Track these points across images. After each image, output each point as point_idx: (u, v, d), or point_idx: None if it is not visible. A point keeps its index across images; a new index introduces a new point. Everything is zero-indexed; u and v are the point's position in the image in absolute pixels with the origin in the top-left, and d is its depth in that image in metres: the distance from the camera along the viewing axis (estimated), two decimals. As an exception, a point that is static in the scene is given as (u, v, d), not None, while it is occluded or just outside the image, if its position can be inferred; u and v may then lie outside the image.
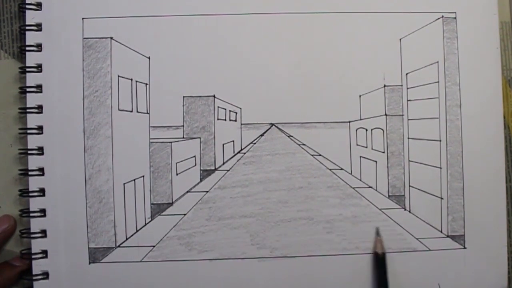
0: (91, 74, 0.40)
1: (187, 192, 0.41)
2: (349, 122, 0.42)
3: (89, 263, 0.40)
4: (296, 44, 0.41)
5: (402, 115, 0.42)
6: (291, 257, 0.41)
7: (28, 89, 0.40)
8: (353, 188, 0.42)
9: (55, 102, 0.40)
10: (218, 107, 0.42)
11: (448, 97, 0.42)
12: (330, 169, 0.42)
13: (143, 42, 0.41)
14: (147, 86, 0.41)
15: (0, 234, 0.39)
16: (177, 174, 0.41)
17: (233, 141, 0.42)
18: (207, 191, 0.41)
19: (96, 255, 0.40)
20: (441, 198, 0.41)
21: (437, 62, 0.42)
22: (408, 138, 0.42)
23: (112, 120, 0.40)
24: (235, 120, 0.42)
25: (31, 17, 0.40)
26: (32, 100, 0.40)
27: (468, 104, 0.41)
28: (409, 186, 0.42)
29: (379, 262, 0.40)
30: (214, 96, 0.41)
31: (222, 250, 0.41)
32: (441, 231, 0.41)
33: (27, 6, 0.40)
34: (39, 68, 0.40)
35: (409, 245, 0.41)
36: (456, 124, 0.41)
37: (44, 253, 0.39)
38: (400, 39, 0.42)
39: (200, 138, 0.42)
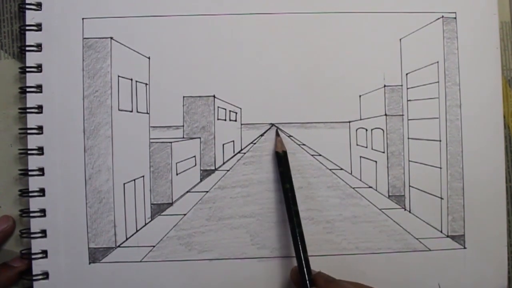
0: (91, 74, 0.41)
1: (187, 192, 0.41)
2: (349, 122, 0.42)
3: (89, 263, 0.40)
4: (296, 44, 0.41)
5: (402, 115, 0.42)
6: (291, 257, 0.41)
7: (28, 89, 0.40)
8: (353, 188, 0.42)
9: (55, 102, 0.40)
10: (218, 107, 0.42)
11: (448, 97, 0.42)
12: (330, 169, 0.42)
13: (143, 42, 0.41)
14: (147, 86, 0.41)
15: (-1, 234, 0.39)
16: (177, 174, 0.41)
17: (233, 141, 0.42)
18: (207, 191, 0.41)
19: (96, 255, 0.40)
20: (441, 198, 0.41)
21: (437, 62, 0.42)
22: (408, 138, 0.42)
23: (112, 120, 0.40)
24: (235, 120, 0.42)
25: (31, 17, 0.40)
26: (32, 100, 0.40)
27: (468, 104, 0.41)
28: (409, 186, 0.42)
29: (281, 160, 0.40)
30: (214, 96, 0.41)
31: (222, 250, 0.41)
32: (441, 231, 0.41)
33: (27, 6, 0.40)
34: (39, 68, 0.40)
35: (409, 245, 0.41)
36: (456, 124, 0.41)
37: (44, 253, 0.39)
38: (400, 39, 0.42)
39: (200, 138, 0.42)
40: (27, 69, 0.40)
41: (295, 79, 0.41)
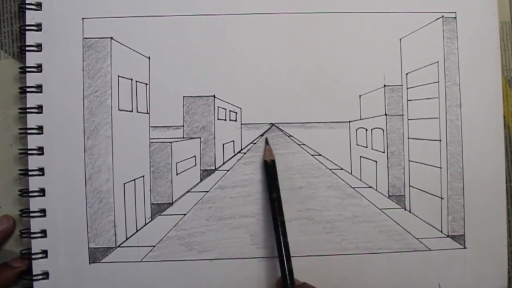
0: (91, 74, 0.41)
1: (187, 192, 0.41)
2: (349, 122, 0.42)
3: (89, 263, 0.40)
4: (296, 44, 0.41)
5: (402, 115, 0.42)
6: (291, 257, 0.40)
7: (28, 89, 0.40)
8: (353, 188, 0.42)
9: (55, 102, 0.40)
10: (218, 107, 0.42)
11: (448, 97, 0.42)
12: (330, 169, 0.42)
13: (143, 42, 0.41)
14: (147, 86, 0.41)
15: (-1, 234, 0.39)
16: (177, 174, 0.41)
17: (233, 141, 0.42)
18: (207, 191, 0.41)
19: (96, 255, 0.40)
20: (441, 198, 0.41)
21: (437, 62, 0.42)
22: (408, 138, 0.42)
23: (112, 120, 0.40)
24: (235, 120, 0.42)
25: (31, 17, 0.40)
26: (32, 100, 0.40)
27: (468, 104, 0.41)
28: (409, 186, 0.42)
29: (269, 169, 0.40)
30: (214, 96, 0.41)
31: (222, 250, 0.41)
32: (441, 231, 0.41)
33: (27, 6, 0.40)
34: (39, 68, 0.40)
35: (409, 245, 0.41)
36: (456, 124, 0.41)
37: (44, 253, 0.39)
38: (400, 39, 0.42)
39: (200, 138, 0.42)
40: (27, 69, 0.40)
41: (295, 79, 0.41)
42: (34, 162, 0.40)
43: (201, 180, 0.42)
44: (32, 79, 0.40)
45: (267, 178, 0.40)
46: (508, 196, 0.42)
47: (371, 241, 0.41)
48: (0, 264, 0.39)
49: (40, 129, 0.40)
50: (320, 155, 0.42)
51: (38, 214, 0.39)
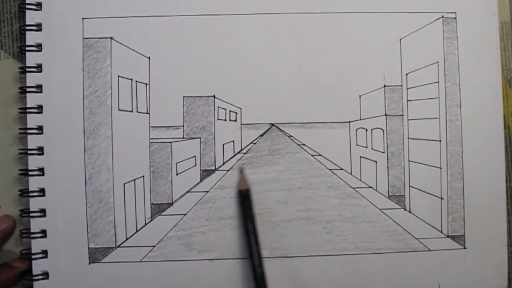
0: (91, 74, 0.41)
1: (187, 192, 0.41)
2: (349, 122, 0.42)
3: (89, 263, 0.40)
4: (296, 44, 0.41)
5: (402, 115, 0.42)
6: (291, 257, 0.41)
7: (28, 89, 0.40)
8: (353, 188, 0.42)
9: (55, 102, 0.40)
10: (218, 107, 0.42)
11: (448, 97, 0.42)
12: (330, 169, 0.42)
13: (143, 42, 0.41)
14: (147, 86, 0.41)
15: (-1, 234, 0.39)
16: (177, 174, 0.41)
17: (233, 141, 0.42)
18: (207, 191, 0.41)
19: (96, 255, 0.40)
20: (441, 198, 0.41)
21: (437, 62, 0.42)
22: (408, 138, 0.42)
23: (112, 120, 0.40)
24: (235, 120, 0.42)
25: (31, 17, 0.40)
26: (32, 100, 0.40)
27: (468, 104, 0.41)
28: (409, 186, 0.42)
29: (244, 199, 0.39)
30: (214, 96, 0.41)
31: (222, 250, 0.41)
32: (441, 231, 0.41)
33: (27, 6, 0.40)
34: (39, 68, 0.40)
35: (409, 245, 0.41)
36: (456, 124, 0.41)
37: (44, 253, 0.39)
38: (400, 39, 0.42)
39: (200, 138, 0.42)
40: (27, 69, 0.40)
41: (295, 79, 0.41)
42: (34, 162, 0.40)
43: (201, 180, 0.42)
44: (32, 79, 0.40)
45: (241, 208, 0.40)
46: (508, 196, 0.42)
47: (371, 241, 0.41)
48: (0, 265, 0.39)
49: (40, 129, 0.40)
50: (320, 155, 0.42)
51: (38, 214, 0.39)
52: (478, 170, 0.41)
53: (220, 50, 0.41)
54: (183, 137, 0.42)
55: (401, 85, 0.42)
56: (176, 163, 0.41)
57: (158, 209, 0.41)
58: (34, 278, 0.39)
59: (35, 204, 0.40)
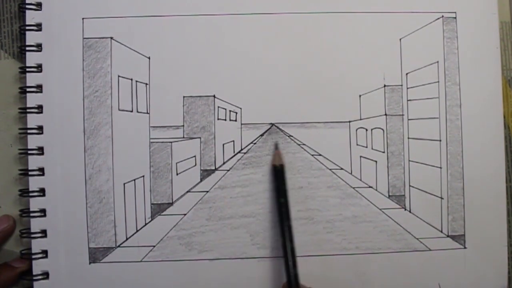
0: (91, 74, 0.41)
1: (187, 192, 0.41)
2: (349, 122, 0.42)
3: (89, 263, 0.40)
4: (296, 44, 0.41)
5: (402, 115, 0.42)
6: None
7: (28, 89, 0.40)
8: (353, 188, 0.42)
9: (55, 102, 0.40)
10: (218, 107, 0.42)
11: (448, 97, 0.42)
12: (330, 169, 0.42)
13: (143, 42, 0.41)
14: (147, 86, 0.41)
15: (-1, 234, 0.39)
16: (177, 174, 0.41)
17: (233, 141, 0.42)
18: (207, 191, 0.41)
19: (96, 255, 0.40)
20: (441, 198, 0.41)
21: (437, 62, 0.42)
22: (408, 138, 0.42)
23: (112, 120, 0.40)
24: (235, 120, 0.42)
25: (31, 17, 0.40)
26: (32, 100, 0.40)
27: (468, 104, 0.41)
28: (409, 186, 0.42)
29: (278, 174, 0.40)
30: (214, 96, 0.41)
31: (222, 250, 0.41)
32: (441, 231, 0.41)
33: (27, 6, 0.40)
34: (39, 68, 0.40)
35: (409, 245, 0.41)
36: (456, 124, 0.41)
37: (44, 253, 0.39)
38: (400, 39, 0.42)
39: (200, 138, 0.42)
40: (27, 69, 0.40)
41: (295, 79, 0.41)
42: (34, 162, 0.40)
43: (201, 180, 0.42)
44: (32, 79, 0.40)
45: (275, 183, 0.40)
46: (508, 196, 0.42)
47: (371, 241, 0.41)
48: (0, 265, 0.39)
49: (40, 129, 0.40)
50: (320, 155, 0.42)
51: (38, 214, 0.39)
52: (478, 170, 0.41)
53: (220, 50, 0.41)
54: (183, 137, 0.42)
55: (401, 85, 0.42)
56: (176, 163, 0.41)
57: (158, 209, 0.41)
58: (34, 278, 0.39)
59: (35, 204, 0.40)
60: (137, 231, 0.41)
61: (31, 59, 0.40)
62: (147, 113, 0.41)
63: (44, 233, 0.40)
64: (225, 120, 0.42)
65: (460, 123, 0.41)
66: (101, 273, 0.40)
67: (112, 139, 0.40)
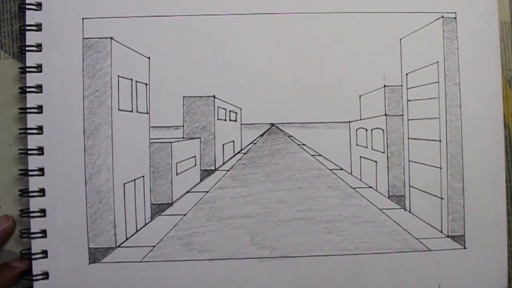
0: (91, 74, 0.41)
1: (187, 192, 0.41)
2: (349, 122, 0.42)
3: (89, 263, 0.40)
4: (296, 44, 0.41)
5: (402, 115, 0.42)
6: (291, 257, 0.41)
7: (28, 89, 0.40)
8: (353, 188, 0.42)
9: (55, 102, 0.40)
10: (218, 107, 0.42)
11: (448, 97, 0.42)
12: (330, 169, 0.42)
13: (143, 42, 0.41)
14: (147, 86, 0.41)
15: (-1, 234, 0.39)
16: (177, 174, 0.41)
17: (233, 141, 0.42)
18: (207, 191, 0.41)
19: (96, 255, 0.40)
20: (441, 198, 0.41)
21: (437, 62, 0.42)
22: (408, 138, 0.42)
23: (112, 120, 0.40)
24: (235, 120, 0.42)
25: (31, 17, 0.40)
26: (32, 100, 0.40)
27: (468, 104, 0.41)
28: (409, 186, 0.42)
29: None
30: (214, 96, 0.41)
31: (222, 250, 0.41)
32: (441, 231, 0.41)
33: (27, 6, 0.40)
34: (39, 68, 0.40)
35: (409, 245, 0.41)
36: (456, 124, 0.41)
37: (44, 253, 0.39)
38: (400, 39, 0.42)
39: (200, 138, 0.42)
40: (27, 69, 0.40)
41: (295, 79, 0.41)
42: (34, 162, 0.40)
43: (201, 180, 0.42)
44: (32, 79, 0.40)
45: None
46: (508, 196, 0.42)
47: (371, 241, 0.41)
48: (0, 265, 0.39)
49: (40, 129, 0.40)
50: (320, 155, 0.42)
51: (38, 214, 0.39)
52: (478, 170, 0.41)
53: (220, 50, 0.41)
54: (183, 137, 0.42)
55: (401, 85, 0.42)
56: (176, 163, 0.41)
57: (158, 209, 0.41)
58: (34, 278, 0.39)
59: (35, 204, 0.40)
60: (137, 231, 0.41)
61: (31, 59, 0.40)
62: (147, 113, 0.41)
63: (44, 233, 0.39)
64: (225, 120, 0.42)
65: (460, 123, 0.41)
66: (101, 273, 0.40)
67: (112, 139, 0.40)
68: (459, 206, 0.41)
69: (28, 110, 0.40)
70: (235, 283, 0.40)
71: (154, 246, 0.40)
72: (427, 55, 0.42)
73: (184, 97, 0.41)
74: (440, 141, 0.42)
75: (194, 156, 0.42)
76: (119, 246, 0.40)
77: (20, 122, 0.41)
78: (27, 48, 0.40)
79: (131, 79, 0.41)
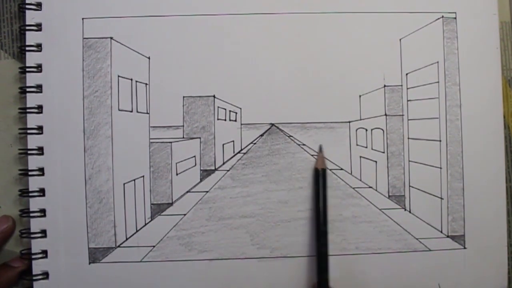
0: (91, 74, 0.41)
1: (187, 192, 0.41)
2: (349, 122, 0.42)
3: (89, 263, 0.40)
4: (296, 44, 0.41)
5: (402, 115, 0.42)
6: (291, 257, 0.41)
7: (28, 89, 0.40)
8: (353, 188, 0.42)
9: (55, 102, 0.40)
10: (218, 107, 0.42)
11: (448, 97, 0.42)
12: (330, 169, 0.42)
13: (143, 42, 0.41)
14: (147, 86, 0.41)
15: (-1, 234, 0.39)
16: (177, 174, 0.41)
17: (233, 141, 0.42)
18: (207, 191, 0.41)
19: (96, 255, 0.40)
20: (441, 198, 0.41)
21: (437, 62, 0.42)
22: (408, 138, 0.42)
23: (112, 120, 0.40)
24: (235, 120, 0.42)
25: (31, 17, 0.40)
26: (32, 100, 0.40)
27: (468, 104, 0.41)
28: (409, 186, 0.42)
29: (319, 177, 0.40)
30: (214, 96, 0.41)
31: (222, 250, 0.41)
32: (441, 231, 0.41)
33: (27, 6, 0.40)
34: (39, 68, 0.40)
35: (409, 245, 0.41)
36: (456, 124, 0.41)
37: (44, 253, 0.39)
38: (400, 39, 0.42)
39: (200, 138, 0.42)
40: (27, 69, 0.40)
41: (295, 79, 0.41)
42: (34, 162, 0.40)
43: (201, 180, 0.42)
44: (32, 79, 0.40)
45: (315, 187, 0.40)
46: (508, 196, 0.42)
47: (371, 241, 0.41)
48: (0, 265, 0.39)
49: (40, 129, 0.40)
50: (320, 155, 0.42)
51: (38, 214, 0.39)
52: (478, 170, 0.41)
53: (220, 50, 0.41)
54: (183, 137, 0.42)
55: (401, 85, 0.42)
56: (176, 163, 0.41)
57: (158, 209, 0.41)
58: (34, 278, 0.39)
59: (35, 204, 0.40)
60: (137, 231, 0.41)
61: (31, 59, 0.40)
62: (147, 113, 0.41)
63: (44, 233, 0.40)
64: (225, 120, 0.42)
65: (460, 123, 0.41)
66: (101, 273, 0.40)
67: (112, 139, 0.40)
68: (459, 206, 0.41)
69: (28, 110, 0.40)
70: (235, 283, 0.40)
71: (154, 246, 0.40)
72: (427, 55, 0.42)
73: (184, 97, 0.41)
74: (440, 141, 0.42)
75: (194, 156, 0.42)
76: (119, 246, 0.40)
77: (20, 122, 0.41)
78: (27, 48, 0.40)
79: (131, 79, 0.41)
